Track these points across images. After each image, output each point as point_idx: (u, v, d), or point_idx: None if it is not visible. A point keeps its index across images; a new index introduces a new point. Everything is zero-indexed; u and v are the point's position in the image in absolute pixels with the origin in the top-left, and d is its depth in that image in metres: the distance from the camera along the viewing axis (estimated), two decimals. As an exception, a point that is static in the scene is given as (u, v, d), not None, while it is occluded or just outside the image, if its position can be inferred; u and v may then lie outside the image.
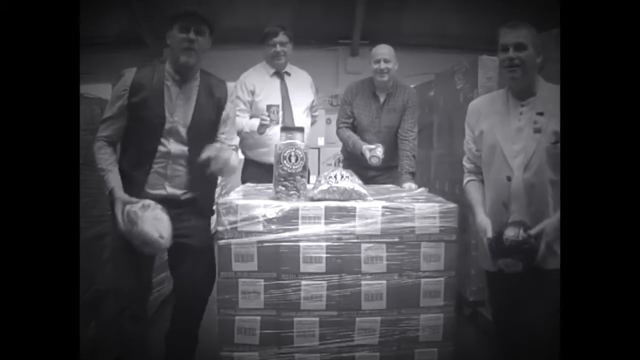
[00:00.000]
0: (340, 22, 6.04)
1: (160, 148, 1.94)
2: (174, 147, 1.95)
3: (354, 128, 2.99)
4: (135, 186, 1.93)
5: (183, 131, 1.96)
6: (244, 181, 2.81)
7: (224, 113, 2.06)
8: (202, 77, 2.03)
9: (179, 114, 1.95)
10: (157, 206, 1.85)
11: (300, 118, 2.89)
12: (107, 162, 1.94)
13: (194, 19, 1.91)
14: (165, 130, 1.93)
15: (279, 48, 2.85)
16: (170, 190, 1.96)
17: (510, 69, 1.70)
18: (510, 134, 1.75)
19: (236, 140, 2.15)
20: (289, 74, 2.98)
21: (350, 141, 2.93)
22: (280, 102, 2.87)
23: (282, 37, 2.85)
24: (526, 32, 1.71)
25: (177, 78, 1.97)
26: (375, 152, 2.74)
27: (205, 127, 2.00)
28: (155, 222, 1.82)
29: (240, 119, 2.70)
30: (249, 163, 2.97)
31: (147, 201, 1.85)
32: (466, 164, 1.93)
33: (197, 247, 2.01)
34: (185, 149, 1.97)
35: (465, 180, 1.94)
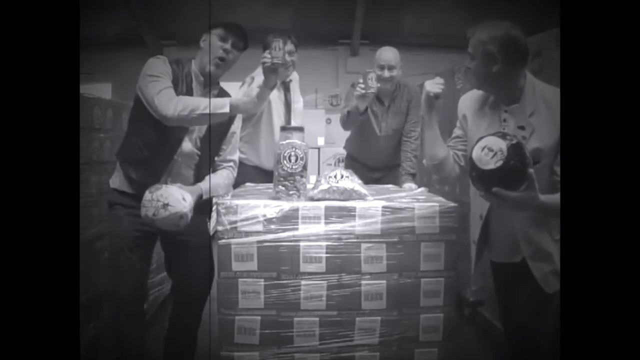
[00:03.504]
0: (340, 22, 6.04)
1: None
2: (186, 145, 1.98)
3: (360, 127, 2.91)
4: (150, 177, 1.95)
5: (197, 134, 2.00)
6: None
7: (232, 128, 2.10)
8: (220, 91, 2.10)
9: None
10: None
11: (301, 120, 2.88)
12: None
13: (236, 32, 1.96)
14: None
15: (288, 58, 2.60)
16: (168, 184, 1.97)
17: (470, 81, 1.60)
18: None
19: (236, 156, 2.18)
20: (292, 81, 2.90)
21: (346, 110, 2.73)
22: (283, 110, 2.83)
23: (289, 47, 2.64)
24: (476, 38, 1.61)
25: (201, 80, 2.01)
26: (366, 79, 2.53)
27: (215, 139, 2.05)
28: (179, 189, 1.88)
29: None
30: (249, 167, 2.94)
31: None
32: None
33: (195, 245, 2.02)
34: (195, 151, 2.02)
35: None
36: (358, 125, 2.88)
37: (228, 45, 1.94)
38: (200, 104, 1.83)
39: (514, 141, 1.42)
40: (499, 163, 1.39)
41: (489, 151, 1.41)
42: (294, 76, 2.99)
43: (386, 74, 2.73)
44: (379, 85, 2.56)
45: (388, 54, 2.77)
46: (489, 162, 1.40)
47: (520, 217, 1.63)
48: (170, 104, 1.82)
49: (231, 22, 1.97)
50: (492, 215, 1.72)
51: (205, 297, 2.08)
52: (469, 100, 1.81)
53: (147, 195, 1.84)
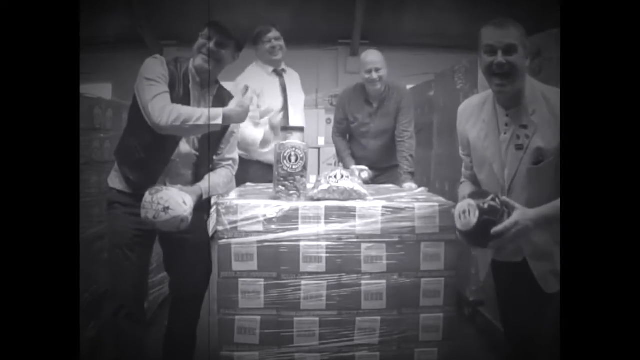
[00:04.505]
0: (340, 22, 6.04)
1: None
2: (183, 146, 1.98)
3: (350, 131, 3.01)
4: (148, 178, 1.94)
5: (195, 136, 2.00)
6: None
7: (231, 127, 2.10)
8: (219, 89, 2.08)
9: None
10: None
11: (298, 117, 2.91)
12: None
13: (218, 30, 1.94)
14: None
15: (274, 42, 2.86)
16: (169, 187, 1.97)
17: (500, 78, 1.52)
18: (498, 148, 1.63)
19: (235, 154, 2.18)
20: (285, 71, 2.99)
21: (341, 156, 3.02)
22: (281, 104, 2.89)
23: (275, 33, 2.86)
24: (515, 31, 1.52)
25: (197, 80, 2.00)
26: (362, 175, 2.75)
27: (214, 139, 2.04)
28: (179, 192, 1.88)
29: (243, 129, 2.71)
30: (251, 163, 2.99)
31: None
32: (463, 170, 1.86)
33: (194, 243, 2.03)
34: (193, 152, 2.01)
35: (460, 182, 1.87)
36: (348, 129, 3.02)
37: (212, 44, 1.93)
38: (193, 114, 1.83)
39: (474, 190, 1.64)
40: (477, 213, 1.51)
41: (463, 213, 1.54)
42: (292, 72, 3.06)
43: (374, 75, 2.82)
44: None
45: (372, 56, 2.87)
46: (471, 219, 1.52)
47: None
48: (164, 112, 1.81)
49: (216, 22, 1.95)
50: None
51: (203, 294, 2.09)
52: (464, 120, 1.77)
53: (147, 197, 1.83)
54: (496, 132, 1.65)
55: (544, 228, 1.58)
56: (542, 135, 1.56)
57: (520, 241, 1.58)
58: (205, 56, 1.93)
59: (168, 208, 1.81)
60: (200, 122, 1.83)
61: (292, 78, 3.03)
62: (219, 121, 1.86)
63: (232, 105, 1.90)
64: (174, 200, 1.82)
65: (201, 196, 1.98)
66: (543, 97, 1.59)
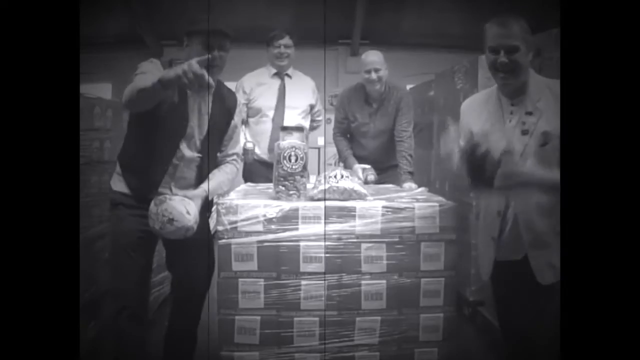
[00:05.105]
0: (340, 22, 6.04)
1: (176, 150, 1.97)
2: (186, 151, 1.98)
3: (350, 131, 3.02)
4: (150, 185, 1.95)
5: (197, 137, 1.99)
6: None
7: (232, 123, 2.10)
8: (218, 85, 2.06)
9: (195, 119, 1.98)
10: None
11: (294, 120, 2.94)
12: None
13: (219, 36, 1.92)
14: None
15: (282, 49, 3.00)
16: (174, 190, 1.97)
17: (504, 73, 1.59)
18: (504, 135, 1.64)
19: (239, 149, 2.19)
20: (289, 77, 3.07)
21: (343, 155, 3.04)
22: (274, 102, 2.99)
23: (287, 40, 3.02)
24: (517, 29, 1.58)
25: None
26: (367, 173, 2.76)
27: (216, 136, 2.04)
28: (183, 201, 1.86)
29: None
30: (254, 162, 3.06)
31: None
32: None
33: (196, 242, 2.03)
34: (196, 154, 2.00)
35: None
36: (349, 129, 3.02)
37: (215, 52, 1.90)
38: (136, 84, 1.74)
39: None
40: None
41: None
42: (301, 78, 3.14)
43: (373, 75, 2.84)
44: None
45: (372, 57, 2.89)
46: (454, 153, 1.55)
47: (527, 201, 1.61)
48: (128, 89, 1.75)
49: (212, 29, 1.91)
50: (509, 210, 1.70)
51: (204, 292, 2.09)
52: (468, 113, 1.78)
53: (153, 208, 1.84)
54: (501, 121, 1.67)
55: (546, 209, 1.58)
56: (547, 119, 1.58)
57: (524, 189, 1.57)
58: (214, 66, 1.89)
59: (173, 220, 1.81)
60: (142, 85, 1.71)
61: (298, 83, 3.09)
62: (153, 81, 1.68)
63: (170, 71, 1.70)
64: (177, 211, 1.82)
65: (206, 198, 1.98)
66: (547, 85, 1.64)
